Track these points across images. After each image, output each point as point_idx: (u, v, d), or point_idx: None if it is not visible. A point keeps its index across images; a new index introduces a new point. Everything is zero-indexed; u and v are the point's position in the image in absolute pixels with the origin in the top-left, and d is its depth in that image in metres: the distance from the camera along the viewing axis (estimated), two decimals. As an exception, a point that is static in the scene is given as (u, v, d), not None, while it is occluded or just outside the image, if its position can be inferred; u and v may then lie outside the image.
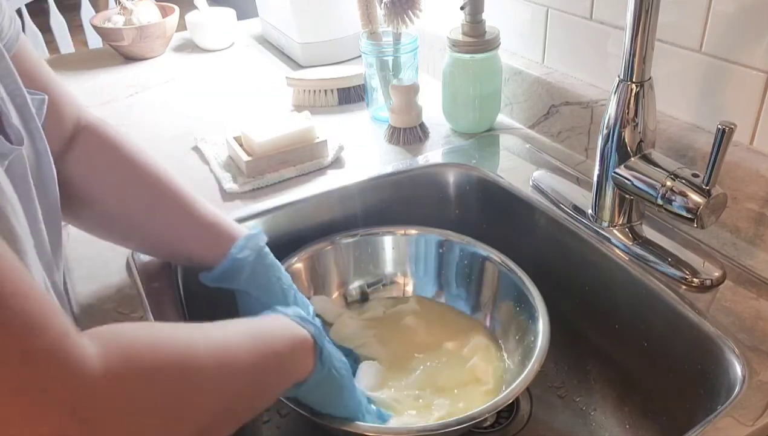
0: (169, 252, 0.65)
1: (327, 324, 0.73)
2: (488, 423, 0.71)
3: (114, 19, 1.31)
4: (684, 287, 0.63)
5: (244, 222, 0.75)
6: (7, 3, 0.50)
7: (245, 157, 0.83)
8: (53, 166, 0.50)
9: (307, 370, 0.51)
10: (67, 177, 0.58)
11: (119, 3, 1.33)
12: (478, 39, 0.86)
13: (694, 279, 0.63)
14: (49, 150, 0.49)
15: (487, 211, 0.85)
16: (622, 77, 0.63)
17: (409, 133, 0.92)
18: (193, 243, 0.61)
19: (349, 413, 0.56)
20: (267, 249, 0.63)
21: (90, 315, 0.63)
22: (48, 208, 0.49)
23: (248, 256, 0.60)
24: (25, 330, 0.30)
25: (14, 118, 0.45)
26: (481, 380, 0.67)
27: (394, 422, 0.62)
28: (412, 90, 0.90)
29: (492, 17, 0.88)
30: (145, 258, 0.69)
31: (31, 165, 0.46)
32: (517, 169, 0.84)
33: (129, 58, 1.32)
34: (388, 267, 0.80)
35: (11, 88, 0.45)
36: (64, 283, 0.66)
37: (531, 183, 0.80)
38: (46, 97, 0.50)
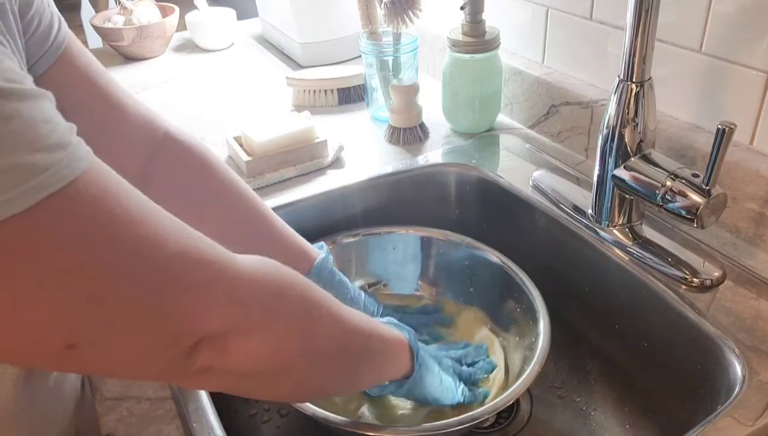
0: None
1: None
2: (488, 423, 0.71)
3: (114, 19, 1.31)
4: (684, 287, 0.63)
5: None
6: (48, 6, 0.48)
7: (245, 157, 0.83)
8: None
9: (404, 369, 0.55)
10: (149, 194, 0.56)
11: (119, 3, 1.33)
12: (478, 39, 0.86)
13: (694, 279, 0.63)
14: (98, 160, 0.48)
15: (487, 211, 0.85)
16: (622, 77, 0.63)
17: (409, 133, 0.92)
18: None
19: (446, 402, 0.60)
20: (335, 269, 0.66)
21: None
22: None
23: (323, 280, 0.63)
24: (178, 240, 0.35)
25: None
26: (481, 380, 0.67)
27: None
28: (412, 90, 0.90)
29: (492, 17, 0.88)
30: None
31: None
32: (517, 169, 0.84)
33: (129, 58, 1.32)
34: (389, 267, 0.80)
35: None
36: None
37: (531, 183, 0.80)
38: (75, 127, 0.48)
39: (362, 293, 0.69)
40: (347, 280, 0.68)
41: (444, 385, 0.60)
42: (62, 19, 0.50)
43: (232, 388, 0.40)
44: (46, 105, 0.31)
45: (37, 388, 0.52)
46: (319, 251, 0.66)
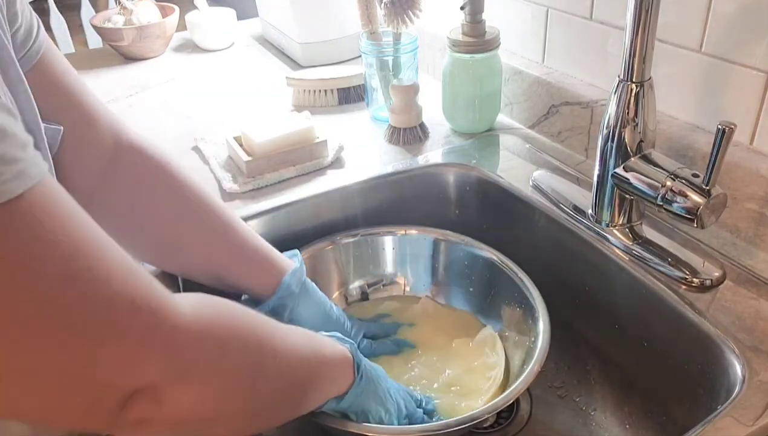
0: (214, 280, 0.64)
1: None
2: (488, 423, 0.71)
3: (114, 19, 1.31)
4: (684, 287, 0.63)
5: (245, 222, 0.75)
6: (28, 8, 0.48)
7: (245, 157, 0.83)
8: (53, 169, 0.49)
9: (347, 382, 0.54)
10: (108, 199, 0.56)
11: (119, 3, 1.33)
12: (478, 39, 0.86)
13: (694, 279, 0.63)
14: (54, 178, 0.48)
15: (487, 211, 0.85)
16: (622, 77, 0.63)
17: (409, 133, 0.92)
18: (241, 275, 0.62)
19: (390, 418, 0.58)
20: (308, 281, 0.65)
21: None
22: None
23: (293, 293, 0.62)
24: (126, 280, 0.33)
25: None
26: (481, 380, 0.67)
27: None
28: (412, 90, 0.90)
29: (492, 17, 0.88)
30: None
31: None
32: (517, 169, 0.84)
33: (129, 58, 1.32)
34: (388, 267, 0.80)
35: (25, 114, 0.43)
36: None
37: (531, 183, 0.80)
38: (62, 129, 0.48)
39: (333, 306, 0.67)
40: (319, 291, 0.66)
41: (387, 402, 0.58)
42: (41, 25, 0.50)
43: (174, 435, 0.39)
44: (2, 117, 0.30)
45: None
46: (291, 260, 0.64)
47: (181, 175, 0.60)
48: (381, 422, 0.57)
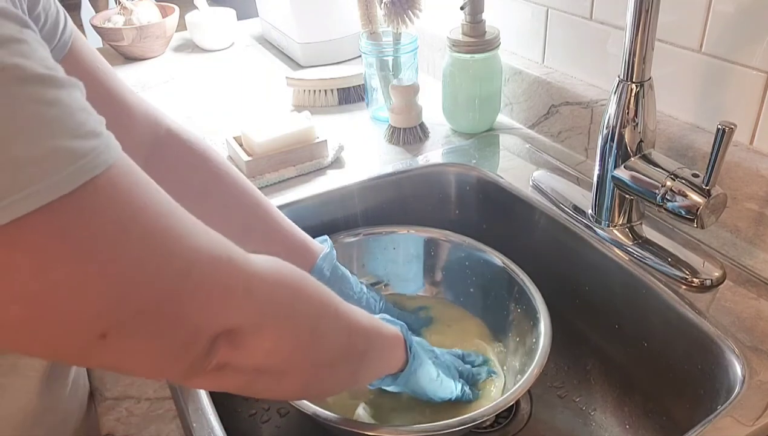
0: None
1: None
2: (488, 423, 0.71)
3: (114, 19, 1.31)
4: (684, 287, 0.63)
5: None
6: (53, 3, 0.48)
7: (245, 157, 0.83)
8: None
9: (399, 363, 0.55)
10: None
11: (119, 3, 1.33)
12: (478, 39, 0.86)
13: (694, 279, 0.63)
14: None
15: (487, 211, 0.85)
16: (622, 77, 0.63)
17: (409, 133, 0.92)
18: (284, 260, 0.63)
19: (444, 395, 0.60)
20: (339, 265, 0.66)
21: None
22: None
23: (325, 276, 0.64)
24: (205, 238, 0.35)
25: None
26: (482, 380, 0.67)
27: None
28: (412, 90, 0.90)
29: (492, 17, 0.88)
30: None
31: None
32: (517, 169, 0.84)
33: (129, 58, 1.32)
34: (388, 267, 0.80)
35: None
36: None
37: (531, 183, 0.80)
38: (104, 119, 0.48)
39: (364, 287, 0.69)
40: (350, 274, 0.68)
41: (440, 379, 0.60)
42: (68, 15, 0.50)
43: (245, 387, 0.41)
44: (79, 94, 0.32)
45: (57, 385, 0.52)
46: (323, 245, 0.66)
47: (221, 163, 0.62)
48: (437, 397, 0.60)
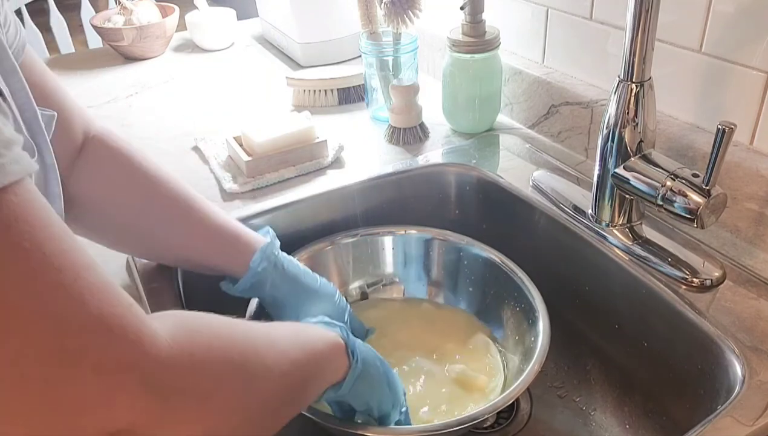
0: (188, 263, 0.65)
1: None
2: (488, 423, 0.71)
3: (114, 19, 1.31)
4: (684, 287, 0.63)
5: (244, 222, 0.75)
6: (10, 10, 0.50)
7: (245, 157, 0.83)
8: (60, 182, 0.49)
9: (343, 370, 0.52)
10: (77, 190, 0.57)
11: (119, 3, 1.33)
12: (478, 39, 0.86)
13: (694, 279, 0.63)
14: (56, 166, 0.48)
15: (487, 211, 0.85)
16: (622, 77, 0.63)
17: (409, 133, 0.92)
18: (212, 254, 0.62)
19: (393, 403, 0.57)
20: (281, 254, 0.64)
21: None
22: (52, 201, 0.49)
23: (266, 267, 0.62)
24: (101, 304, 0.30)
25: (24, 133, 0.44)
26: (481, 381, 0.67)
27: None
28: (412, 90, 0.90)
29: (492, 17, 0.88)
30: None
31: (39, 180, 0.46)
32: (517, 169, 0.84)
33: (129, 58, 1.32)
34: (388, 267, 0.80)
35: (22, 101, 0.44)
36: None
37: (531, 183, 0.80)
38: (56, 114, 0.49)
39: (317, 276, 0.66)
40: (298, 263, 0.65)
41: (388, 383, 0.56)
42: (21, 27, 0.52)
43: None
44: None
45: None
46: (263, 237, 0.64)
47: (145, 162, 0.61)
48: (383, 410, 0.56)
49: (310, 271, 0.66)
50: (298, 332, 0.51)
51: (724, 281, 0.63)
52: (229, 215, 0.64)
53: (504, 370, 0.69)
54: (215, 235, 0.62)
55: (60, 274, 0.28)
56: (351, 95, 1.06)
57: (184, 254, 0.63)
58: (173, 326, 0.35)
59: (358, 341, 0.56)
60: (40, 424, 0.29)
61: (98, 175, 0.59)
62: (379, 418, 0.56)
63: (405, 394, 0.60)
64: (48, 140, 0.47)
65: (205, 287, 0.64)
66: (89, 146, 0.59)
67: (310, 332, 0.52)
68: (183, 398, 0.34)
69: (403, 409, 0.59)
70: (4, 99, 0.31)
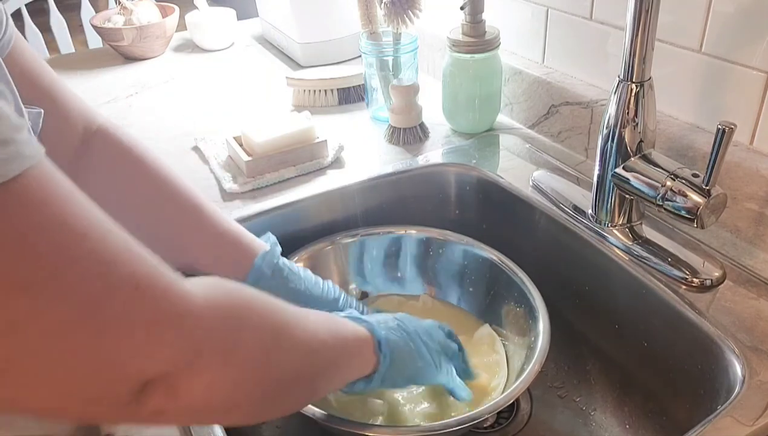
0: (190, 266, 0.63)
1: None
2: (488, 423, 0.71)
3: (114, 19, 1.31)
4: (684, 287, 0.63)
5: (244, 222, 0.75)
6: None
7: (245, 157, 0.83)
8: None
9: (371, 365, 0.53)
10: (80, 187, 0.57)
11: (119, 3, 1.33)
12: (478, 39, 0.86)
13: (694, 279, 0.63)
14: (51, 164, 0.48)
15: (487, 211, 0.85)
16: (622, 77, 0.63)
17: (409, 133, 0.92)
18: (212, 259, 0.61)
19: (432, 375, 0.58)
20: (282, 261, 0.63)
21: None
22: None
23: (265, 275, 0.61)
24: (132, 261, 0.32)
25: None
26: (483, 379, 0.67)
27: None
28: (412, 90, 0.90)
29: (492, 17, 0.88)
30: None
31: None
32: (517, 169, 0.84)
33: (129, 58, 1.32)
34: (388, 267, 0.80)
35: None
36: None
37: (531, 183, 0.80)
38: (42, 111, 0.48)
39: (320, 280, 0.66)
40: (300, 269, 0.65)
41: (422, 369, 0.57)
42: (10, 17, 0.51)
43: (189, 423, 0.38)
44: None
45: None
46: (264, 243, 0.63)
47: (149, 159, 0.60)
48: (423, 379, 0.58)
49: (313, 275, 0.66)
50: (331, 319, 0.51)
51: (724, 281, 0.63)
52: (232, 219, 0.64)
53: (507, 367, 0.69)
54: (220, 239, 0.61)
55: (87, 241, 0.30)
56: (351, 95, 1.06)
57: (187, 255, 0.62)
58: (209, 284, 0.37)
59: (386, 325, 0.56)
60: (81, 374, 0.30)
61: (104, 173, 0.58)
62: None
63: (447, 369, 0.60)
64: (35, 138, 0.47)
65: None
66: (94, 141, 0.58)
67: (341, 322, 0.52)
68: (212, 349, 0.35)
69: (442, 383, 0.59)
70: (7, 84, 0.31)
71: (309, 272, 0.66)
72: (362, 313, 0.65)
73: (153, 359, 0.32)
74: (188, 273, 0.36)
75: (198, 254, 0.61)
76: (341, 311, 0.65)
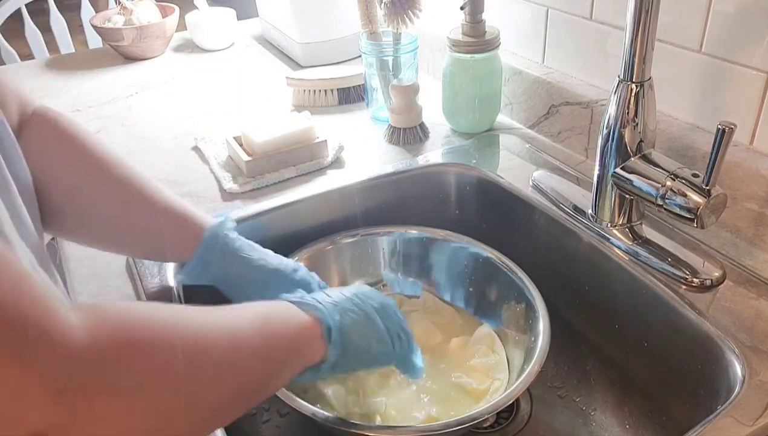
0: (134, 248, 0.61)
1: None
2: (488, 423, 0.71)
3: (114, 19, 1.31)
4: (684, 287, 0.63)
5: (244, 222, 0.75)
6: None
7: (245, 157, 0.83)
8: (18, 147, 0.47)
9: (320, 353, 0.49)
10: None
11: (119, 3, 1.33)
12: (478, 39, 0.86)
13: (694, 279, 0.63)
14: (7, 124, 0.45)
15: (487, 211, 0.85)
16: (622, 77, 0.63)
17: (409, 133, 0.92)
18: (159, 236, 0.59)
19: (391, 359, 0.55)
20: (234, 235, 0.61)
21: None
22: (22, 189, 0.46)
23: (215, 247, 0.59)
24: (5, 298, 0.29)
25: None
26: (481, 380, 0.67)
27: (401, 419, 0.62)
28: (412, 90, 0.90)
29: (492, 17, 0.88)
30: (145, 258, 0.69)
31: None
32: (517, 169, 0.84)
33: (129, 58, 1.32)
34: (388, 267, 0.80)
35: None
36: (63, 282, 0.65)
37: (531, 183, 0.80)
38: None
39: (281, 258, 0.62)
40: (250, 243, 0.62)
41: (383, 348, 0.53)
42: None
43: None
44: None
45: None
46: (215, 218, 0.61)
47: (89, 142, 0.58)
48: (380, 364, 0.55)
49: (273, 253, 0.63)
50: (267, 313, 0.48)
51: (724, 281, 0.63)
52: (179, 197, 0.61)
53: (508, 367, 0.69)
54: (166, 215, 0.59)
55: None
56: (351, 95, 1.06)
57: (132, 237, 0.60)
58: (95, 317, 0.33)
59: (341, 307, 0.52)
60: None
61: (41, 155, 0.55)
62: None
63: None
64: None
65: (204, 287, 0.64)
66: (29, 126, 0.56)
67: (281, 315, 0.49)
68: (102, 396, 0.31)
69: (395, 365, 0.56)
70: None
71: (269, 250, 0.63)
72: (322, 288, 0.62)
73: (25, 410, 0.29)
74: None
75: (144, 229, 0.59)
76: (299, 284, 0.61)
